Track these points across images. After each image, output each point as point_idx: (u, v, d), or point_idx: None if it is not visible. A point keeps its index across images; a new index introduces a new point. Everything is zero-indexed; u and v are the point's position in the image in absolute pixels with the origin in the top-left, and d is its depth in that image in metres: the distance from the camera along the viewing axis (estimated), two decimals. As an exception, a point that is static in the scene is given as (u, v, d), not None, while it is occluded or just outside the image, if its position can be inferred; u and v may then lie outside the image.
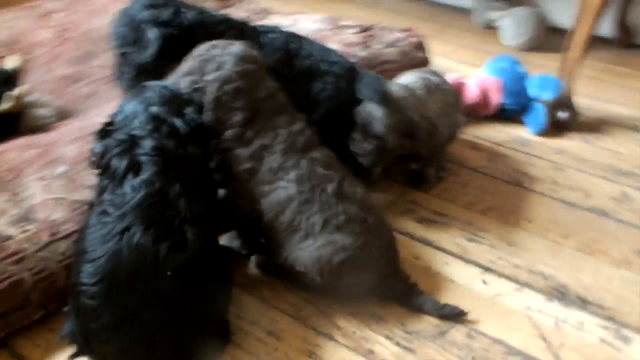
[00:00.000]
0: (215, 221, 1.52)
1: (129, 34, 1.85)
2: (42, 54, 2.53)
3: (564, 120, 2.39)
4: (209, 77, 1.59)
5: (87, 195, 1.63)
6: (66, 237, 1.55)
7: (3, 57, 2.36)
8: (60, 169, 1.71)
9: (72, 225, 1.57)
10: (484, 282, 1.69)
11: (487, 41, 3.25)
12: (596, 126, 2.46)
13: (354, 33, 2.51)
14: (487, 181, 2.10)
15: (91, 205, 1.45)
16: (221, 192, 1.64)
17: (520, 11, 3.16)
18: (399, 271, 1.61)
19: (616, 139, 2.39)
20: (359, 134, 1.81)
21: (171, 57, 1.75)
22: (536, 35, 3.12)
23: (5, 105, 1.95)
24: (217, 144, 1.57)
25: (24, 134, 1.97)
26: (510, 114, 2.44)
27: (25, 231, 1.53)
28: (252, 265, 1.70)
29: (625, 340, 1.53)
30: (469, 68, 2.80)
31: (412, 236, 1.84)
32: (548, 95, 2.36)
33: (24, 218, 1.56)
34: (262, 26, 2.00)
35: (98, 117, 1.92)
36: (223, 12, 2.14)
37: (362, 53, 2.38)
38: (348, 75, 1.92)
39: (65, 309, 1.34)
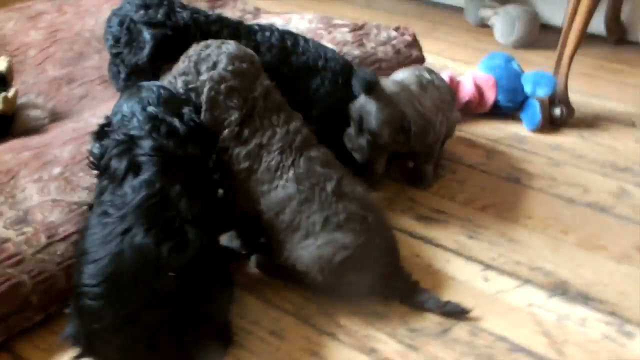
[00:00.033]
0: (215, 221, 1.51)
1: (123, 34, 1.83)
2: (34, 56, 2.50)
3: (559, 116, 2.39)
4: (203, 77, 1.58)
5: (84, 196, 1.63)
6: (64, 238, 1.53)
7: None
8: (56, 170, 1.69)
9: (70, 226, 1.56)
10: (485, 279, 1.68)
11: (480, 39, 3.24)
12: (592, 122, 2.46)
13: (347, 32, 2.50)
14: (485, 178, 2.10)
15: (90, 206, 1.44)
16: (220, 191, 1.63)
17: (512, 9, 3.15)
18: (400, 269, 1.60)
19: (612, 134, 2.39)
20: (352, 129, 1.81)
21: (166, 57, 1.74)
22: (529, 33, 3.12)
23: (0, 106, 1.93)
24: (215, 143, 1.56)
25: (17, 135, 1.95)
26: (505, 111, 2.44)
27: (22, 233, 1.51)
28: (252, 265, 1.68)
29: (629, 335, 1.52)
30: (463, 66, 2.79)
31: (411, 234, 1.83)
32: (543, 92, 2.36)
33: (21, 220, 1.54)
34: (257, 25, 1.99)
35: (92, 118, 1.92)
36: (214, 12, 2.12)
37: (356, 52, 2.37)
38: (345, 72, 1.93)
39: (67, 310, 1.33)
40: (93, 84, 2.33)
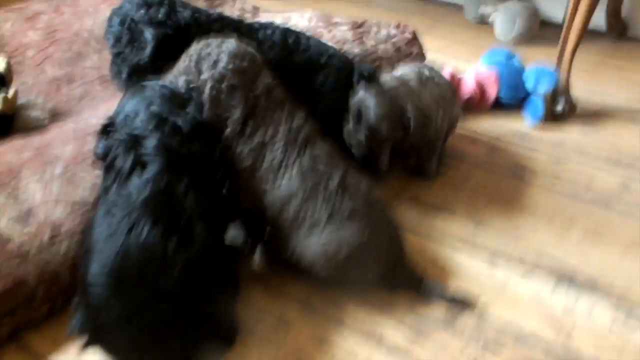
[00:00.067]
0: (221, 218, 1.51)
1: (124, 34, 1.83)
2: (32, 56, 2.49)
3: (561, 112, 2.38)
4: (204, 75, 1.58)
5: (86, 195, 1.62)
6: (68, 235, 1.53)
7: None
8: (58, 169, 1.68)
9: (73, 225, 1.55)
10: (492, 269, 1.68)
11: (480, 36, 3.25)
12: (594, 118, 2.46)
13: (347, 30, 2.49)
14: (487, 175, 2.09)
15: (95, 205, 1.43)
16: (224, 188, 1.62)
17: (512, 5, 3.16)
18: (405, 264, 1.60)
19: (614, 130, 2.39)
20: (351, 123, 1.80)
21: (167, 57, 1.73)
22: (529, 29, 3.13)
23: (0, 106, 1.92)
24: (219, 140, 1.56)
25: (17, 135, 1.93)
26: (507, 107, 2.43)
27: (27, 230, 1.50)
28: (258, 256, 1.68)
29: (637, 321, 1.52)
30: (463, 63, 2.78)
31: (416, 229, 1.83)
32: (545, 88, 2.36)
33: (25, 217, 1.53)
34: (258, 23, 1.99)
35: (92, 118, 1.91)
36: (214, 11, 2.12)
37: (356, 49, 2.36)
38: (347, 68, 1.92)
39: (74, 302, 1.33)
40: (93, 84, 2.32)
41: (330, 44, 2.14)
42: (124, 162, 1.40)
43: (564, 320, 1.52)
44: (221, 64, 1.58)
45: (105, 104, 2.06)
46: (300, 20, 2.57)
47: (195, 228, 1.34)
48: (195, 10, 1.89)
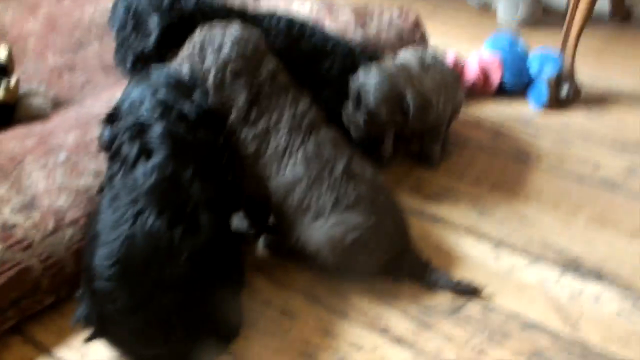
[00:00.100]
0: (227, 205, 1.50)
1: (129, 21, 1.82)
2: (33, 44, 2.48)
3: (566, 96, 2.37)
4: (209, 61, 1.57)
5: (90, 181, 1.61)
6: (72, 223, 1.52)
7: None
8: (61, 156, 1.67)
9: (77, 211, 1.55)
10: (497, 257, 1.67)
11: (483, 21, 3.22)
12: (599, 101, 2.44)
13: (349, 16, 2.48)
14: (492, 159, 2.08)
15: (101, 191, 1.43)
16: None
17: (515, -10, 3.13)
18: (411, 249, 1.59)
19: (619, 113, 2.37)
20: (351, 107, 1.79)
21: (172, 44, 1.73)
22: (532, 14, 3.10)
23: (1, 94, 1.91)
24: (225, 127, 1.55)
25: (20, 123, 1.93)
26: (511, 92, 2.42)
27: (30, 218, 1.50)
28: (262, 246, 1.67)
29: (644, 310, 1.52)
30: (466, 48, 2.76)
31: (420, 214, 1.82)
32: (550, 72, 2.34)
33: (29, 206, 1.53)
34: (262, 12, 1.99)
35: (95, 105, 1.90)
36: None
37: (358, 35, 2.35)
38: (352, 55, 1.91)
39: (78, 292, 1.32)
40: (94, 71, 2.31)
41: (332, 30, 2.13)
42: (130, 149, 1.40)
43: (570, 310, 1.51)
44: (225, 50, 1.57)
45: (108, 91, 2.06)
46: (301, 6, 2.55)
47: (201, 217, 1.33)
48: (200, -1, 1.89)
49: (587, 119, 2.34)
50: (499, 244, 1.71)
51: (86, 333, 1.30)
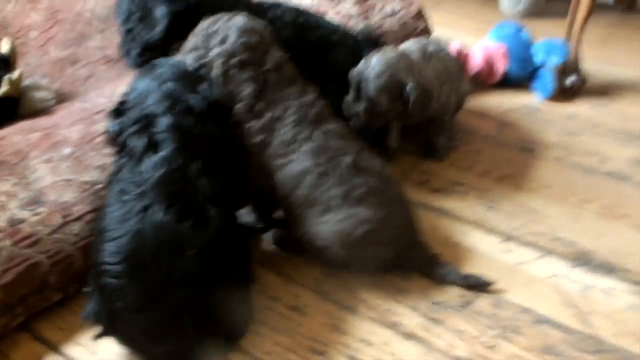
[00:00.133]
0: (235, 198, 1.49)
1: (135, 11, 1.80)
2: (35, 37, 2.46)
3: (572, 85, 2.35)
4: (214, 51, 1.56)
5: (96, 175, 1.61)
6: (79, 218, 1.52)
7: (-2, 40, 2.30)
8: (66, 150, 1.66)
9: (84, 206, 1.54)
10: (506, 251, 1.65)
11: (486, 11, 3.20)
12: (605, 90, 2.43)
13: (351, 5, 2.46)
14: (499, 149, 2.07)
15: (108, 184, 1.42)
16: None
17: (518, -21, 3.11)
18: (420, 243, 1.58)
19: (626, 102, 2.36)
20: (351, 95, 1.77)
21: (178, 35, 1.71)
22: (535, 3, 3.08)
23: (5, 88, 1.89)
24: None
25: (24, 117, 1.92)
26: (516, 81, 2.41)
27: (37, 214, 1.49)
28: (270, 241, 1.66)
29: (656, 304, 1.51)
30: (470, 37, 2.74)
31: (428, 207, 1.81)
32: (555, 61, 2.32)
33: (35, 201, 1.52)
34: (268, 2, 1.96)
35: (99, 98, 1.89)
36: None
37: (361, 25, 2.33)
38: (359, 45, 1.89)
39: (86, 289, 1.31)
40: (97, 64, 2.30)
41: (335, 20, 2.11)
42: (137, 142, 1.38)
43: (581, 304, 1.50)
44: (230, 40, 1.56)
45: (111, 84, 2.04)
46: (304, -3, 2.53)
47: (209, 211, 1.32)
48: (207, -12, 1.86)
49: (593, 107, 2.33)
50: (507, 237, 1.70)
51: (95, 330, 1.29)
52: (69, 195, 1.54)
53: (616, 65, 2.62)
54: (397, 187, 1.59)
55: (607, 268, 1.60)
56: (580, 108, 2.31)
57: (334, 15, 2.31)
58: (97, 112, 1.79)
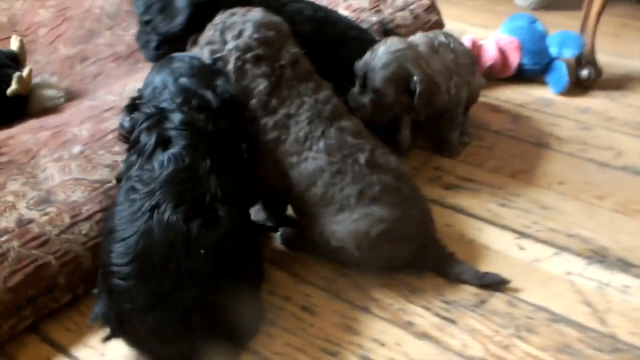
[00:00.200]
0: (246, 197, 1.47)
1: (155, 1, 1.78)
2: (44, 35, 2.46)
3: (587, 78, 2.32)
4: (230, 45, 1.54)
5: (105, 174, 1.60)
6: (88, 218, 1.51)
7: (7, 38, 2.29)
8: (76, 149, 1.66)
9: (93, 205, 1.53)
10: (521, 248, 1.63)
11: (498, 2, 3.17)
12: (620, 83, 2.40)
13: (363, -1, 2.44)
14: (513, 144, 2.04)
15: (119, 182, 1.40)
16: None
17: (531, -30, 3.08)
18: (436, 241, 1.57)
19: (640, 95, 2.33)
20: (357, 87, 1.75)
21: (198, 26, 1.68)
22: (548, -5, 3.06)
23: (15, 86, 1.89)
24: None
25: (33, 116, 1.92)
26: (530, 74, 2.38)
27: (46, 214, 1.48)
28: (280, 241, 1.64)
29: (674, 301, 1.48)
30: (482, 30, 2.72)
31: (441, 204, 1.79)
32: (570, 53, 2.30)
33: (44, 200, 1.51)
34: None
35: (108, 95, 1.89)
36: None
37: (373, 18, 2.32)
38: (375, 41, 1.87)
39: (95, 291, 1.30)
40: (106, 61, 2.30)
41: (347, 13, 2.10)
42: (148, 139, 1.36)
43: (597, 302, 1.48)
44: (246, 34, 1.53)
45: (120, 81, 2.03)
46: (316, -9, 2.51)
47: (219, 210, 1.30)
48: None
49: (609, 101, 2.29)
50: (522, 234, 1.67)
51: (104, 332, 1.28)
52: (78, 195, 1.54)
53: (631, 56, 2.59)
54: (413, 183, 1.57)
55: (622, 265, 1.57)
56: (595, 101, 2.28)
57: (345, 8, 2.30)
58: (107, 110, 1.78)
